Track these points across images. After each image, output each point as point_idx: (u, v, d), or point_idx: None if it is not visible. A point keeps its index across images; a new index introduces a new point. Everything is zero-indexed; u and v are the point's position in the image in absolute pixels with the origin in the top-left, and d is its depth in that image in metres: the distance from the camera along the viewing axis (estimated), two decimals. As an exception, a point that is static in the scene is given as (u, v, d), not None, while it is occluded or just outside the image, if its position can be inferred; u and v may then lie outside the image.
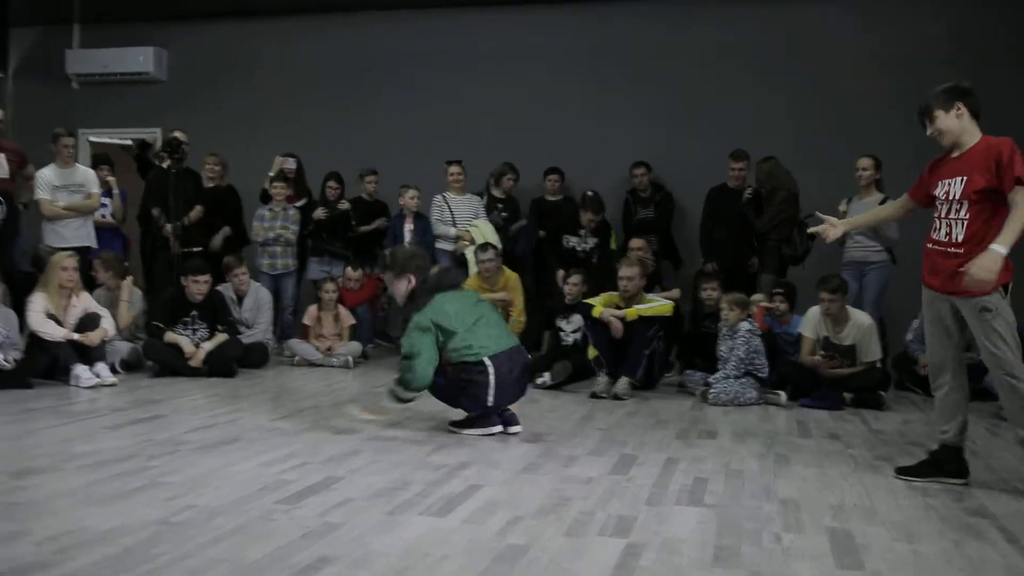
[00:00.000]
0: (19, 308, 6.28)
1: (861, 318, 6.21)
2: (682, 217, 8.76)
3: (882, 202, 6.86)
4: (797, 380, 6.21)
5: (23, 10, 10.55)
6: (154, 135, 10.02)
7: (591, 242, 7.95)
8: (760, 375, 6.12)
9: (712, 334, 6.50)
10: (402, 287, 4.94)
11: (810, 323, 6.30)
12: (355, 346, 7.57)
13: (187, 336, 6.66)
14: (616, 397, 6.07)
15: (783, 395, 6.04)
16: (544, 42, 9.37)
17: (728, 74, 8.91)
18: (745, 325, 6.19)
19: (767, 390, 6.10)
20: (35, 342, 6.03)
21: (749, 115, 8.75)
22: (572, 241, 7.98)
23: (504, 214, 8.27)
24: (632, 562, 2.75)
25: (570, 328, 7.01)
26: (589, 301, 6.55)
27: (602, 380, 6.23)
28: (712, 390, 6.02)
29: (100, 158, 8.39)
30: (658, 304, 6.45)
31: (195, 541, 2.82)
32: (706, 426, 5.23)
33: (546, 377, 6.49)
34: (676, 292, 7.48)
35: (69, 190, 7.29)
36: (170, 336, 6.60)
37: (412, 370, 4.67)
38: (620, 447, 4.50)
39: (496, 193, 8.34)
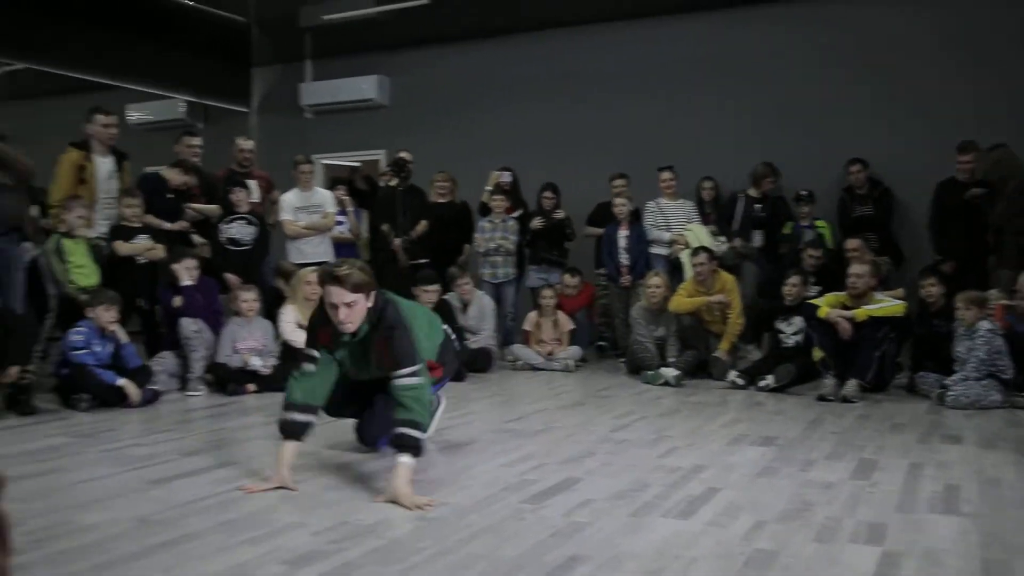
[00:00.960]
0: (271, 319, 6.70)
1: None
2: (904, 213, 8.27)
3: None
4: (1047, 382, 5.69)
5: (263, 52, 11.38)
6: (379, 157, 10.49)
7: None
8: (1004, 377, 5.65)
9: (942, 334, 6.07)
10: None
11: (1059, 320, 5.78)
12: (575, 350, 7.61)
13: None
14: (845, 399, 5.77)
15: (1031, 398, 5.56)
16: (750, 43, 9.10)
17: (947, 63, 8.33)
18: (985, 324, 5.73)
19: (1013, 392, 5.62)
20: (288, 350, 6.41)
21: (970, 105, 8.14)
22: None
23: (763, 213, 8.22)
24: (892, 572, 2.59)
25: (791, 330, 6.74)
26: (814, 302, 6.29)
27: (829, 382, 5.95)
28: (950, 392, 5.60)
29: (337, 180, 8.86)
30: (888, 304, 6.10)
31: (452, 538, 2.90)
32: (948, 430, 4.87)
33: (769, 380, 6.27)
34: (900, 291, 7.05)
35: (308, 211, 7.76)
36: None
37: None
38: (857, 451, 4.27)
39: (753, 193, 8.25)
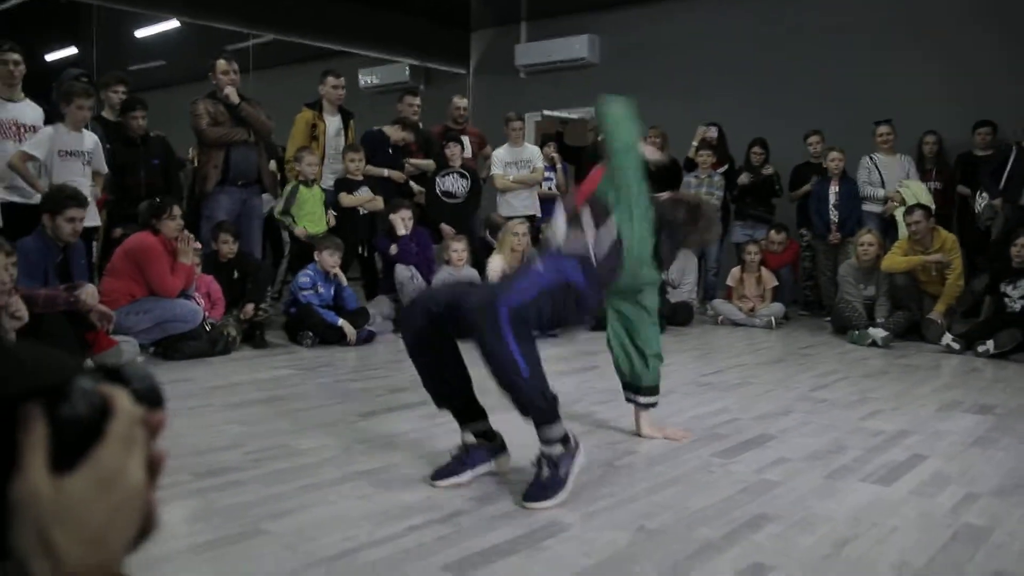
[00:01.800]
0: (480, 269, 6.77)
1: None
2: None
3: None
4: None
5: (481, 15, 11.46)
6: (589, 114, 10.33)
7: None
8: None
9: None
10: None
11: None
12: (777, 307, 7.22)
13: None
14: (1077, 370, 5.13)
15: None
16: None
17: None
18: None
19: None
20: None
21: None
22: None
23: None
24: None
25: (1017, 294, 6.06)
26: (1043, 263, 5.61)
27: (1059, 350, 5.31)
28: None
29: (548, 136, 8.81)
30: None
31: (639, 486, 2.78)
32: None
33: (989, 345, 5.67)
34: None
35: (518, 166, 7.76)
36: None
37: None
38: (1091, 425, 3.76)
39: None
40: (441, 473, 2.78)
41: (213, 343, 5.21)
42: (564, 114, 9.26)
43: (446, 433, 3.39)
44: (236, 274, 5.85)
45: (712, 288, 7.91)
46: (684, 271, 7.27)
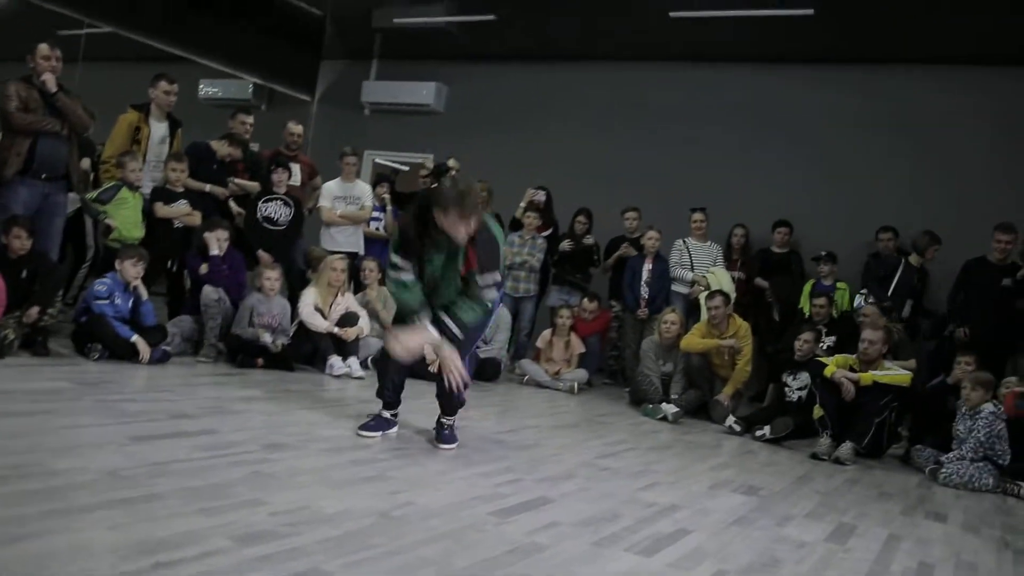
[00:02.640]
0: (292, 300, 6.63)
1: None
2: (924, 284, 8.01)
3: None
4: (1043, 473, 5.41)
5: (333, 46, 11.37)
6: (427, 160, 10.40)
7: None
8: (1000, 462, 5.38)
9: (952, 411, 5.80)
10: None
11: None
12: (582, 373, 7.43)
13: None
14: (838, 461, 5.53)
15: (1025, 487, 5.28)
16: (794, 99, 8.95)
17: (984, 142, 8.09)
18: (989, 407, 5.46)
19: (1007, 479, 5.34)
20: (302, 331, 6.32)
21: (1006, 185, 7.89)
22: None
23: (919, 284, 7.77)
24: (846, 644, 2.39)
25: (796, 384, 6.51)
26: (822, 360, 6.06)
27: (825, 441, 5.71)
28: (944, 470, 5.35)
29: (382, 177, 8.79)
30: (895, 373, 5.85)
31: (409, 538, 2.75)
32: (934, 507, 4.63)
33: (766, 430, 6.05)
34: (912, 363, 6.77)
35: (347, 201, 7.68)
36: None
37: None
38: (839, 514, 4.05)
39: (914, 262, 7.72)
40: (368, 427, 4.30)
41: (-16, 344, 4.80)
42: (396, 164, 9.28)
43: (223, 465, 3.27)
44: (25, 273, 5.41)
45: (522, 348, 8.05)
46: (497, 327, 7.36)
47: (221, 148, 6.97)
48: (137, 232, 6.29)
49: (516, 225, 8.23)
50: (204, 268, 6.16)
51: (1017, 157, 8.01)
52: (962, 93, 8.27)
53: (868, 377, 5.77)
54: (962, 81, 8.29)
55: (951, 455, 5.45)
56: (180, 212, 6.52)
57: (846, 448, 5.60)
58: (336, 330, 6.31)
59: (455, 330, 3.99)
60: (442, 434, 4.35)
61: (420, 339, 3.98)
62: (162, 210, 6.45)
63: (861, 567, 3.18)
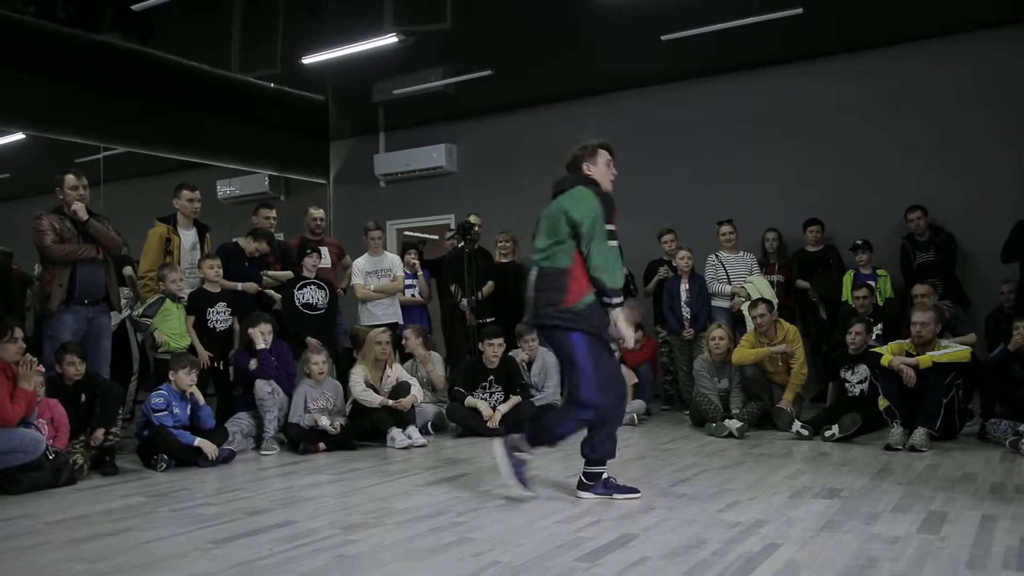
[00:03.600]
0: (342, 380, 6.70)
1: None
2: (966, 258, 7.91)
3: None
4: None
5: (340, 126, 11.61)
6: (448, 220, 10.53)
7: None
8: (1083, 424, 5.27)
9: (1020, 379, 5.69)
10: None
11: None
12: (639, 404, 7.39)
13: (484, 400, 6.79)
14: (913, 448, 5.44)
15: (1111, 445, 5.16)
16: (804, 97, 8.95)
17: (1001, 111, 8.03)
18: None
19: (1090, 439, 5.23)
20: (357, 409, 6.36)
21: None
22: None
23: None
24: (962, 634, 2.34)
25: (855, 379, 6.44)
26: (877, 350, 5.99)
27: (896, 431, 5.63)
28: (1024, 439, 5.25)
29: (408, 244, 8.90)
30: (954, 350, 5.76)
31: (502, 598, 2.75)
32: (1023, 479, 4.53)
33: (834, 430, 5.97)
34: (972, 337, 6.66)
35: (379, 275, 7.78)
36: (470, 400, 6.75)
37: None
38: (926, 503, 3.98)
39: None
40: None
41: (57, 473, 4.89)
42: (422, 235, 9.39)
43: (307, 554, 3.29)
44: (84, 397, 5.54)
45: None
46: (546, 374, 7.36)
47: (248, 245, 7.11)
48: (184, 341, 6.41)
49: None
50: (254, 363, 6.24)
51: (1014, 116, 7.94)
52: (959, 63, 8.23)
53: (926, 359, 5.69)
54: (956, 52, 8.26)
55: (1030, 423, 5.34)
56: (284, 275, 7.08)
57: (919, 434, 5.50)
58: (391, 403, 6.35)
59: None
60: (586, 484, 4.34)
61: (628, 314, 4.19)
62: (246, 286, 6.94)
63: (961, 554, 3.11)
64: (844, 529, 3.53)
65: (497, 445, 4.17)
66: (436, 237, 9.92)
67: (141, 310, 6.43)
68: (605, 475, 4.28)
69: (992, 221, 7.35)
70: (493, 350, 6.83)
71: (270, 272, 7.24)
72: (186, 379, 5.73)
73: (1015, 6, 7.75)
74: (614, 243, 4.06)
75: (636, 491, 4.24)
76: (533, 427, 4.17)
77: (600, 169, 4.30)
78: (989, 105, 8.08)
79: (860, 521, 3.66)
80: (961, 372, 5.76)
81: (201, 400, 5.79)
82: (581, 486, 4.29)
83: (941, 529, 3.48)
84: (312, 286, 7.07)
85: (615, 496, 4.21)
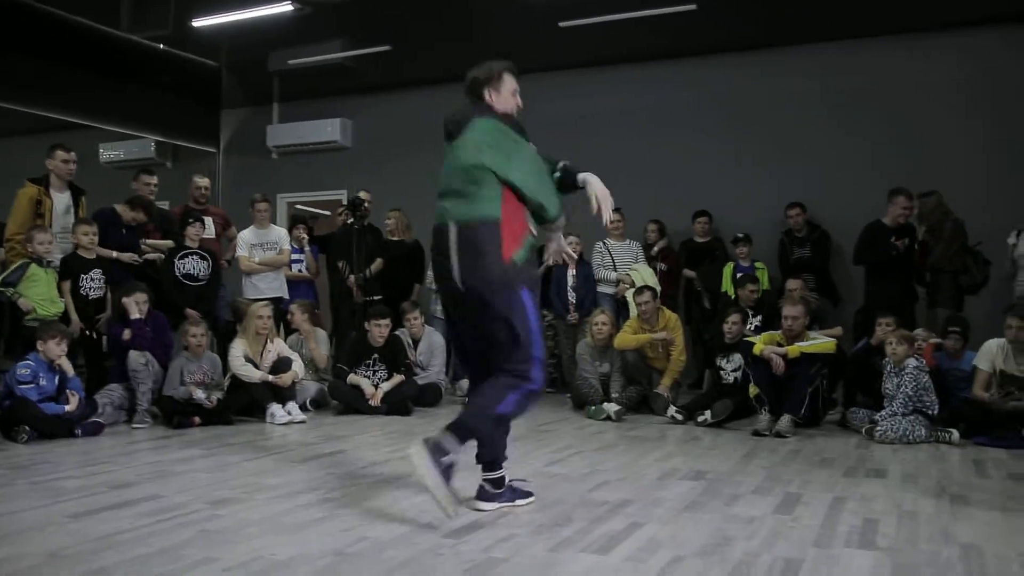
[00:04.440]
0: (222, 353, 6.54)
1: (1047, 345, 5.62)
2: (840, 255, 8.28)
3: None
4: (971, 417, 5.64)
5: (233, 94, 11.26)
6: (340, 196, 10.37)
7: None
8: (930, 412, 5.59)
9: (879, 371, 6.00)
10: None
11: (986, 356, 5.75)
12: (521, 386, 7.46)
13: (367, 377, 6.74)
14: (779, 435, 5.67)
15: (955, 433, 5.49)
16: (694, 89, 9.16)
17: (884, 111, 8.42)
18: (912, 362, 5.68)
19: (938, 428, 5.56)
20: (235, 383, 6.23)
21: (901, 153, 8.22)
22: None
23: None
24: (801, 608, 2.46)
25: (730, 367, 6.66)
26: (750, 339, 6.22)
27: (764, 418, 5.86)
28: (879, 428, 5.54)
29: (298, 218, 8.73)
30: (820, 342, 6.04)
31: (367, 572, 2.74)
32: (874, 464, 4.78)
33: (707, 415, 6.17)
34: (838, 330, 7.01)
35: (264, 247, 7.61)
36: (352, 378, 6.69)
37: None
38: (784, 486, 4.16)
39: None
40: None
41: (-95, 442, 4.63)
42: (314, 210, 9.22)
43: (169, 528, 3.21)
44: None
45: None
46: (432, 352, 7.36)
47: (126, 213, 6.85)
48: (54, 308, 6.13)
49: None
50: (127, 334, 6.03)
51: (895, 119, 8.34)
52: (848, 64, 8.58)
53: (795, 349, 5.94)
54: (841, 53, 8.61)
55: (883, 413, 5.64)
56: (165, 244, 6.86)
57: (785, 421, 5.74)
58: (271, 378, 6.24)
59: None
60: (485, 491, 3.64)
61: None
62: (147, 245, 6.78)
63: (809, 533, 3.27)
64: (705, 509, 3.65)
65: (416, 451, 3.21)
66: (328, 213, 9.75)
67: (2, 277, 6.10)
68: (509, 479, 3.72)
69: (865, 220, 7.69)
70: (380, 330, 6.79)
71: (149, 241, 7.00)
72: (56, 349, 5.48)
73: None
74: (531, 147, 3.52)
75: (531, 493, 3.76)
76: (458, 418, 3.36)
77: (504, 98, 3.62)
78: (875, 109, 8.45)
79: (721, 502, 3.79)
80: (826, 363, 6.04)
81: (70, 371, 5.56)
82: (485, 496, 3.62)
83: (795, 510, 3.64)
84: (194, 256, 6.87)
85: (518, 503, 3.67)
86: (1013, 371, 5.64)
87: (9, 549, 2.94)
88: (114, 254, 6.61)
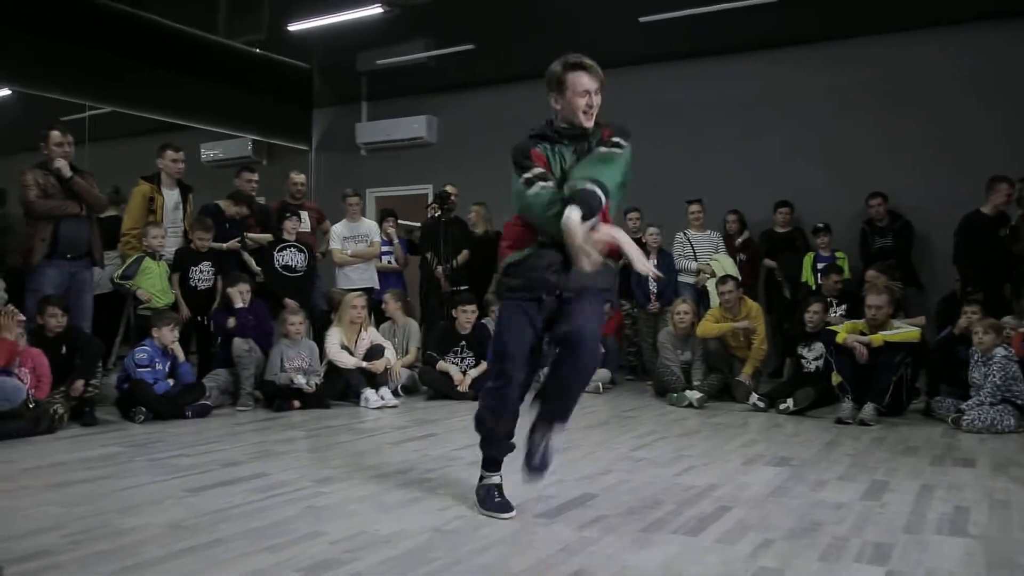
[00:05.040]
0: (319, 341, 6.71)
1: None
2: (923, 245, 8.02)
3: None
4: (1061, 408, 5.43)
5: (324, 94, 11.50)
6: (427, 191, 10.50)
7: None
8: (1018, 402, 5.39)
9: (964, 360, 5.82)
10: None
11: (1075, 347, 5.52)
12: (604, 373, 7.45)
13: (456, 364, 6.83)
14: (862, 423, 5.55)
15: (1047, 423, 5.30)
16: (774, 82, 8.98)
17: (962, 102, 8.12)
18: (1000, 351, 5.48)
19: (1027, 418, 5.36)
20: (332, 370, 6.39)
21: (988, 140, 7.91)
22: None
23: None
24: (895, 592, 2.43)
25: (812, 355, 6.54)
26: (833, 328, 6.09)
27: (847, 406, 5.73)
28: (966, 416, 5.36)
29: (387, 212, 8.86)
30: (904, 331, 5.88)
31: (464, 548, 2.80)
32: (961, 453, 4.64)
33: (789, 403, 6.07)
34: (922, 319, 6.80)
35: (356, 240, 7.77)
36: (442, 364, 6.79)
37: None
38: (870, 473, 4.07)
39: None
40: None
41: (36, 421, 4.89)
42: (409, 223, 9.33)
43: (278, 504, 3.33)
44: (64, 349, 5.52)
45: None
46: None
47: (229, 208, 7.07)
48: (167, 298, 6.38)
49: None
50: (232, 322, 6.24)
51: (979, 108, 8.03)
52: (933, 55, 8.29)
53: (878, 338, 5.79)
54: (927, 43, 8.32)
55: (971, 402, 5.46)
56: (264, 238, 7.02)
57: (868, 409, 5.61)
58: (364, 364, 6.38)
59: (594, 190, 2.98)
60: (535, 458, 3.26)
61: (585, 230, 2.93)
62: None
63: (899, 519, 3.20)
64: (792, 495, 3.61)
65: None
66: (418, 225, 9.88)
67: (120, 271, 6.37)
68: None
69: (948, 211, 7.43)
70: (466, 316, 6.87)
71: (250, 235, 7.21)
72: (169, 335, 5.72)
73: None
74: (534, 189, 3.13)
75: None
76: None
77: (567, 100, 3.20)
78: (951, 100, 8.17)
79: (807, 488, 3.75)
80: (910, 352, 5.88)
81: (181, 356, 5.80)
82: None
83: (883, 496, 3.57)
84: (292, 249, 7.06)
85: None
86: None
87: (135, 520, 3.10)
88: (223, 246, 6.85)
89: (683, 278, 8.06)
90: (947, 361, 6.08)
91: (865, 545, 2.86)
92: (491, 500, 3.27)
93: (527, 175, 3.16)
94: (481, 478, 3.37)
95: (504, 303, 3.28)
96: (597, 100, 3.19)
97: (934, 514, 3.29)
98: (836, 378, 5.92)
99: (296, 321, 6.37)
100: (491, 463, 3.37)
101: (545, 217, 3.06)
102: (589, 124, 3.19)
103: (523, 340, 3.22)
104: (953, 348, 6.07)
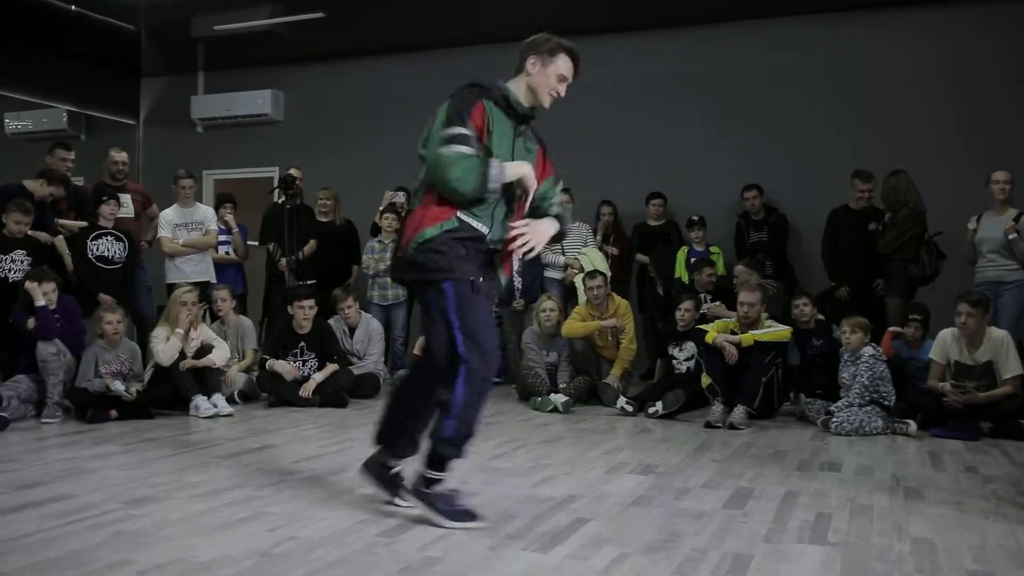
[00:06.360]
0: (142, 344, 6.44)
1: (996, 333, 5.79)
2: (798, 239, 8.42)
3: (1016, 218, 6.45)
4: (928, 408, 5.80)
5: (154, 62, 11.04)
6: (272, 174, 10.25)
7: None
8: (886, 403, 5.73)
9: (817, 355, 6.16)
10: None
11: (940, 347, 5.90)
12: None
13: (295, 365, 6.68)
14: (732, 427, 5.77)
15: (913, 424, 5.64)
16: (645, 65, 9.21)
17: (839, 93, 8.57)
18: (869, 350, 5.82)
19: (895, 419, 5.70)
20: (158, 374, 6.15)
21: (865, 133, 8.38)
22: None
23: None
24: (749, 605, 2.52)
25: (683, 356, 6.75)
26: (703, 327, 6.30)
27: (717, 409, 5.95)
28: (834, 419, 5.66)
29: (223, 197, 8.60)
30: (775, 329, 6.15)
31: (294, 574, 2.73)
32: (828, 457, 4.90)
33: (658, 406, 6.24)
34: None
35: (189, 228, 7.50)
36: (272, 363, 6.62)
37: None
38: (736, 479, 4.24)
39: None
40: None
41: None
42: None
43: (81, 530, 3.17)
44: None
45: (399, 358, 8.04)
46: (369, 341, 7.33)
47: (39, 188, 6.69)
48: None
49: (376, 230, 8.21)
50: (32, 323, 5.90)
51: (862, 104, 8.50)
52: (807, 44, 8.71)
53: (748, 337, 6.04)
54: (803, 30, 8.74)
55: (839, 403, 5.77)
56: (77, 225, 6.71)
57: (739, 412, 5.84)
58: (189, 357, 6.19)
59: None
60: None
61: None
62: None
63: (760, 529, 3.34)
64: (653, 504, 3.71)
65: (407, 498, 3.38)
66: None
67: None
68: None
69: (821, 205, 7.83)
70: (303, 313, 6.75)
71: (62, 221, 6.85)
72: (-46, 337, 5.36)
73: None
74: (456, 148, 3.24)
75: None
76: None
77: (546, 74, 3.46)
78: (829, 91, 8.60)
79: (670, 496, 3.86)
80: (781, 352, 6.15)
81: (-29, 360, 5.44)
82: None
83: (746, 504, 3.72)
84: (108, 237, 6.74)
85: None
86: (966, 360, 5.80)
87: (-98, 554, 2.88)
88: (41, 236, 6.49)
89: (549, 273, 8.15)
90: (810, 359, 6.44)
91: (724, 556, 2.96)
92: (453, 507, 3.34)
93: (454, 131, 3.28)
94: (428, 482, 3.33)
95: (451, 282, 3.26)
96: (563, 92, 3.52)
97: (796, 522, 3.44)
98: (706, 379, 6.13)
99: (113, 320, 6.09)
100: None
101: (451, 177, 3.24)
102: (546, 106, 3.54)
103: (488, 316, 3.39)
104: (807, 342, 6.43)
